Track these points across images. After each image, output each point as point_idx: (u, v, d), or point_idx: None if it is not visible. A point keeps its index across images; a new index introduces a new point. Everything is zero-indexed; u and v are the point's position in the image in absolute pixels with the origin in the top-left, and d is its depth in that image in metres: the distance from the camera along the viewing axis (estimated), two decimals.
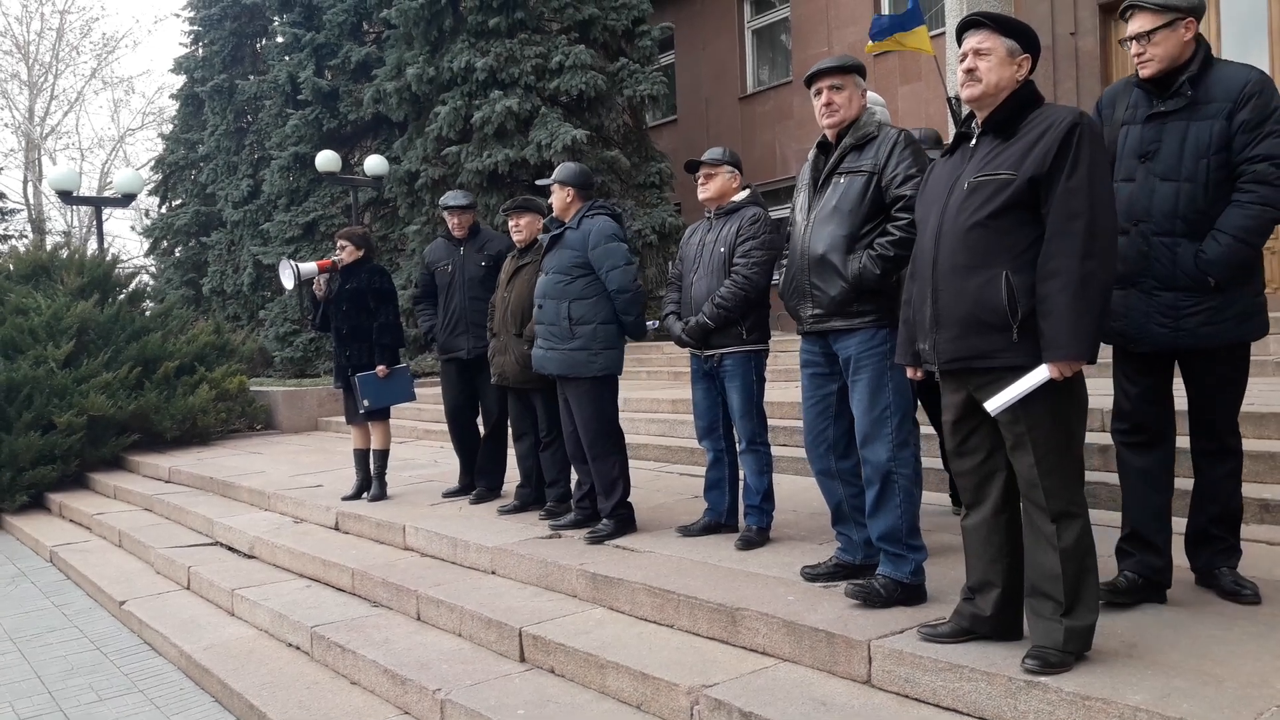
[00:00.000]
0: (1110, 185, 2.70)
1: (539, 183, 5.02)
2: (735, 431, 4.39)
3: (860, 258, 3.37)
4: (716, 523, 4.52)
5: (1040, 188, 2.63)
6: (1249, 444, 3.50)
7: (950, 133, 10.55)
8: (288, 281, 6.20)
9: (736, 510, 4.53)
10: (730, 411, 4.35)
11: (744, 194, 4.39)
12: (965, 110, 2.91)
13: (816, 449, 3.64)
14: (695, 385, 4.48)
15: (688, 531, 4.51)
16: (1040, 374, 2.59)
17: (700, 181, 4.40)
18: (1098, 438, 4.33)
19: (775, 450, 6.14)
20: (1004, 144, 2.72)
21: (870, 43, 9.87)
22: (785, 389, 8.37)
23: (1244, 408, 3.29)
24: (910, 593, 3.27)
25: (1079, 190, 2.57)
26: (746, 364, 4.25)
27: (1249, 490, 3.50)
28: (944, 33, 9.80)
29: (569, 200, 4.78)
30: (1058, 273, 2.57)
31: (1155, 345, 3.10)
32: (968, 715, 2.68)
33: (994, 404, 2.66)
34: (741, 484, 4.48)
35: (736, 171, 4.39)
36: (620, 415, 4.86)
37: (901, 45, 9.86)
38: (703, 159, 4.39)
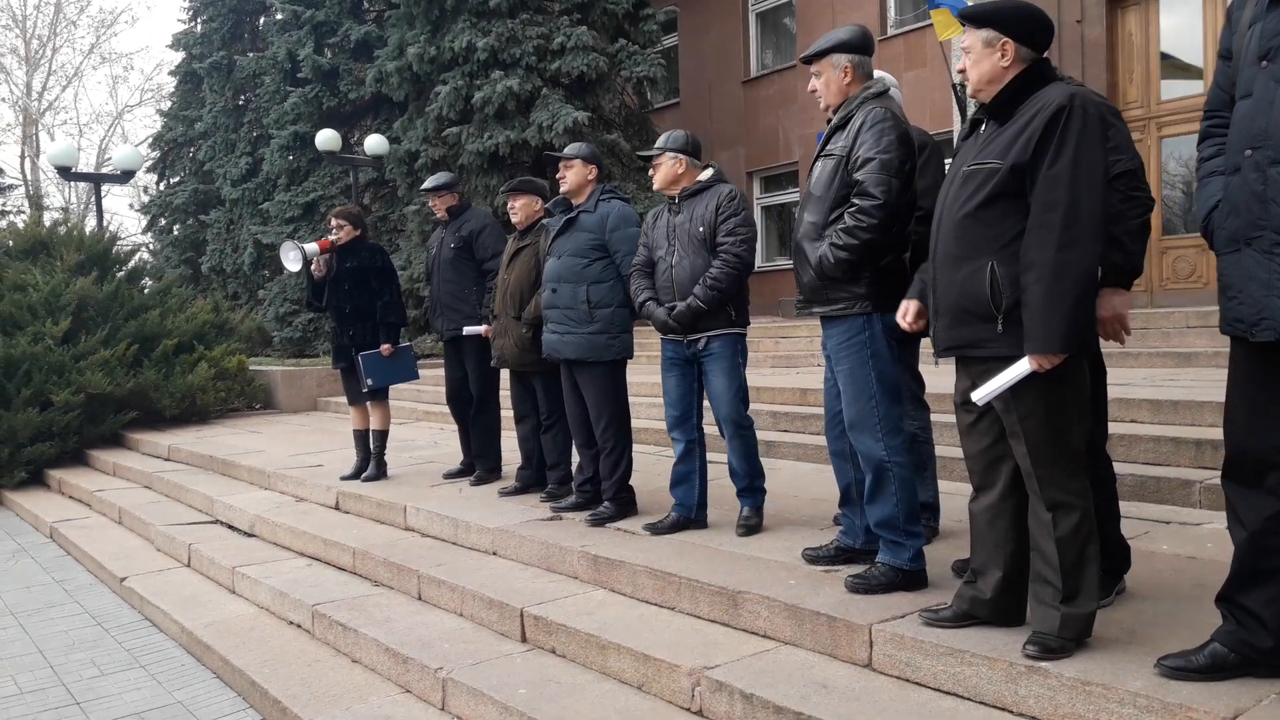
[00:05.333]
0: (1099, 169, 2.59)
1: (558, 156, 4.83)
2: (718, 416, 4.22)
3: (820, 247, 3.32)
4: (685, 519, 4.34)
5: (1025, 175, 2.61)
6: None
7: (955, 120, 10.52)
8: (293, 264, 6.13)
9: (705, 505, 4.40)
10: (713, 396, 4.20)
11: (708, 173, 4.26)
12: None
13: (832, 429, 3.65)
14: (668, 373, 4.32)
15: (656, 529, 4.33)
16: (1022, 366, 2.60)
17: (650, 172, 4.34)
18: None
19: (776, 435, 6.18)
20: (999, 130, 2.71)
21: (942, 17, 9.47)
22: (786, 374, 8.40)
23: None
24: (910, 579, 3.27)
25: (1059, 179, 2.55)
26: (733, 346, 4.15)
27: None
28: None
29: (590, 178, 4.73)
30: (1034, 264, 2.57)
31: None
32: (968, 700, 2.70)
33: (979, 395, 2.69)
34: (729, 473, 4.30)
35: (682, 156, 4.23)
36: None
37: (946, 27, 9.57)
38: (652, 150, 4.31)
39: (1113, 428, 4.11)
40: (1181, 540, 3.74)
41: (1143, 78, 9.85)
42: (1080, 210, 2.54)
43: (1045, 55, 2.77)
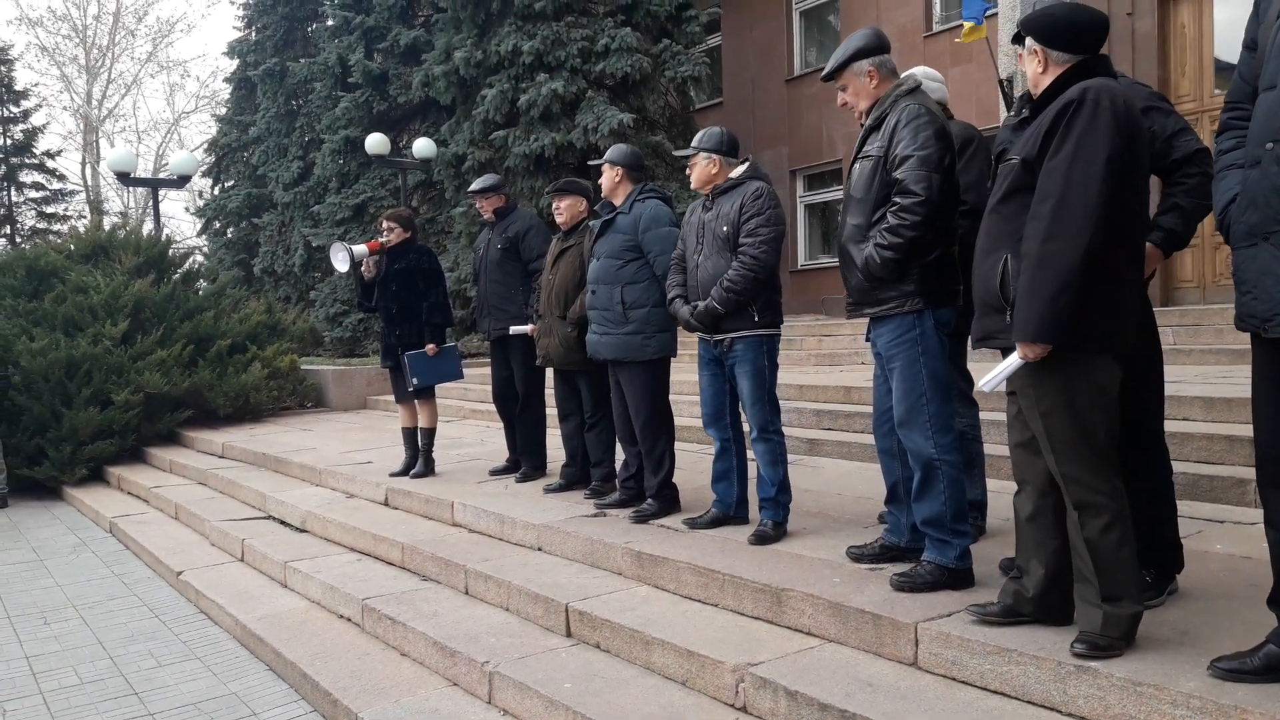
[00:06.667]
0: (1099, 162, 2.51)
1: (591, 163, 5.00)
2: (747, 420, 4.19)
3: (866, 248, 3.31)
4: (725, 515, 4.35)
5: (1034, 169, 2.64)
6: None
7: (1001, 116, 10.38)
8: (342, 264, 6.24)
9: (746, 501, 4.38)
10: (741, 399, 4.18)
11: (741, 168, 4.20)
12: (1016, 93, 2.93)
13: (880, 427, 3.65)
14: (702, 371, 4.31)
15: (695, 524, 4.36)
16: (1014, 357, 2.65)
17: (687, 171, 4.35)
18: None
19: (819, 433, 6.16)
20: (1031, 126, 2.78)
21: (968, 25, 9.87)
22: (830, 373, 8.35)
23: None
24: (956, 577, 3.25)
25: (1055, 170, 2.57)
26: (758, 348, 4.08)
27: None
28: (996, 13, 9.65)
29: (618, 180, 4.77)
30: (1024, 255, 2.62)
31: None
32: (1016, 699, 2.68)
33: (982, 384, 2.76)
34: (756, 477, 4.27)
35: (715, 156, 4.18)
36: None
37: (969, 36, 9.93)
38: (686, 150, 4.30)
39: (1165, 425, 4.02)
40: (1235, 540, 3.67)
41: (1195, 72, 9.64)
42: (1072, 203, 2.53)
43: (1102, 53, 2.75)
